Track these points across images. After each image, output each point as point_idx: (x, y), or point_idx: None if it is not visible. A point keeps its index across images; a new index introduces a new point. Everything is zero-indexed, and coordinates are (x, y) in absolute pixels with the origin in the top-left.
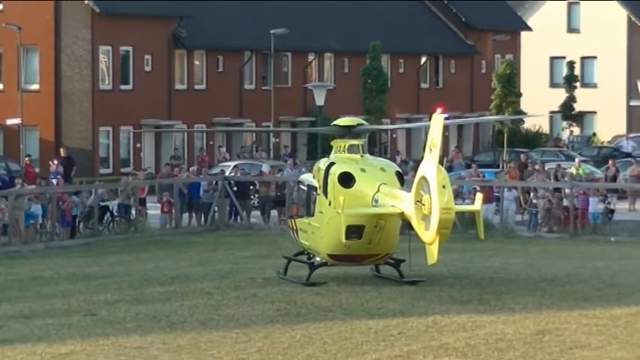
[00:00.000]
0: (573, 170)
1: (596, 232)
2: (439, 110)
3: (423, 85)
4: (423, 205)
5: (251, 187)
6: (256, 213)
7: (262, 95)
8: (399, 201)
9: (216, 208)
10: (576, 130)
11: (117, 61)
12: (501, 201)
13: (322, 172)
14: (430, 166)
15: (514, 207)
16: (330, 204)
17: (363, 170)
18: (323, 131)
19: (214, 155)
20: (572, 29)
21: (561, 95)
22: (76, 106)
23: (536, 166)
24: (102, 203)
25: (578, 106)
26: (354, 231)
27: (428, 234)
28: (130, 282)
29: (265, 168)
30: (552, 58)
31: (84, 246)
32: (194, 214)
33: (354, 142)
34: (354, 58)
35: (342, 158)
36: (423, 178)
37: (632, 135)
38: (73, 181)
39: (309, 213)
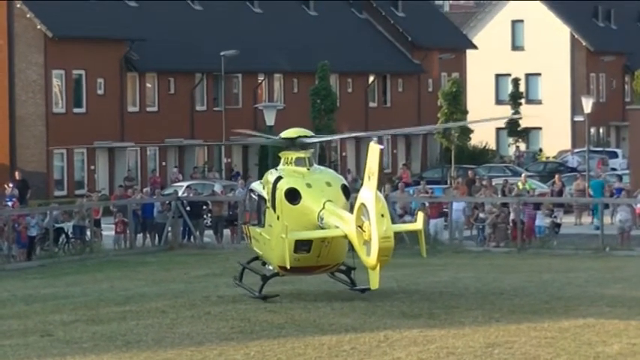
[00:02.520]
0: (520, 185)
1: (542, 245)
2: (375, 139)
3: (372, 104)
4: (364, 231)
5: (204, 207)
6: (209, 232)
7: (213, 116)
8: (343, 222)
9: (169, 228)
10: (522, 146)
11: (70, 84)
12: (450, 213)
13: (270, 185)
14: (369, 195)
15: (463, 218)
16: (278, 218)
17: (309, 186)
18: (272, 143)
19: (167, 176)
20: (516, 47)
21: (507, 112)
22: (30, 130)
23: (484, 182)
24: (57, 225)
25: (523, 123)
26: (302, 246)
27: (369, 260)
28: (86, 302)
29: (217, 188)
30: (497, 76)
31: (40, 267)
32: (148, 235)
33: (301, 154)
34: (303, 78)
35: (289, 172)
36: (363, 205)
37: (576, 150)
38: (28, 203)
39: (260, 223)
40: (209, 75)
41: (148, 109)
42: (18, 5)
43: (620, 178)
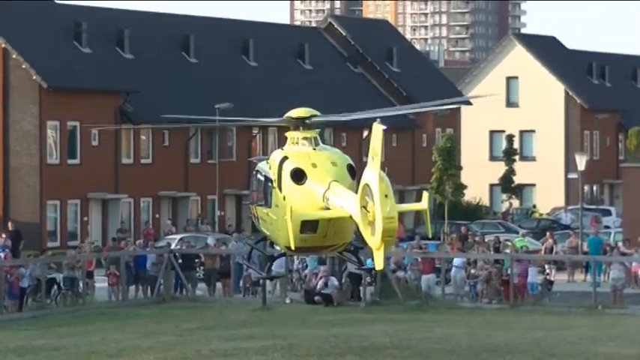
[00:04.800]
0: (517, 242)
1: (535, 302)
2: (378, 120)
3: (365, 159)
4: (368, 211)
5: (196, 260)
6: (202, 285)
7: (208, 169)
8: (349, 203)
9: (162, 281)
10: (516, 203)
11: (64, 135)
12: (442, 271)
13: (276, 165)
14: (373, 175)
15: (462, 274)
16: (284, 198)
17: (314, 166)
18: (276, 123)
19: (161, 228)
20: (511, 103)
21: (501, 168)
22: (24, 181)
23: (477, 238)
24: (49, 276)
25: (517, 179)
26: (308, 226)
27: (374, 240)
28: (78, 354)
29: (210, 241)
30: (492, 132)
31: (32, 319)
32: (140, 287)
33: (307, 134)
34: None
35: (294, 152)
36: (367, 185)
37: (570, 207)
38: (20, 254)
39: (267, 203)
40: (203, 128)
41: (142, 161)
42: (14, 56)
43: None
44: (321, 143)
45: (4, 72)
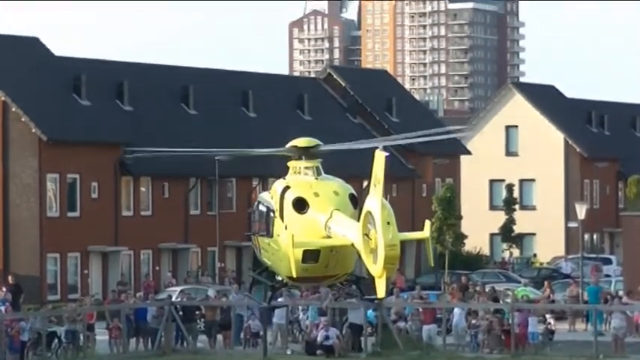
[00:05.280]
0: (518, 292)
1: (537, 352)
2: (380, 147)
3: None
4: (370, 239)
5: (197, 312)
6: (203, 337)
7: (208, 220)
8: (351, 232)
9: (162, 333)
10: (516, 252)
11: (64, 188)
12: (443, 321)
13: (278, 194)
14: (375, 203)
15: (464, 324)
16: (286, 228)
17: (316, 195)
18: (279, 152)
19: (161, 280)
20: (510, 152)
21: (501, 217)
22: (23, 234)
23: (477, 288)
24: (50, 329)
25: (517, 228)
26: (310, 256)
27: (376, 268)
28: None
29: (211, 293)
30: (491, 181)
31: None
32: (141, 339)
33: (309, 163)
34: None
35: (296, 181)
36: (369, 213)
37: (570, 256)
38: (21, 308)
39: (269, 234)
40: (203, 179)
41: (142, 213)
42: (13, 109)
43: None
44: (323, 173)
45: (4, 125)
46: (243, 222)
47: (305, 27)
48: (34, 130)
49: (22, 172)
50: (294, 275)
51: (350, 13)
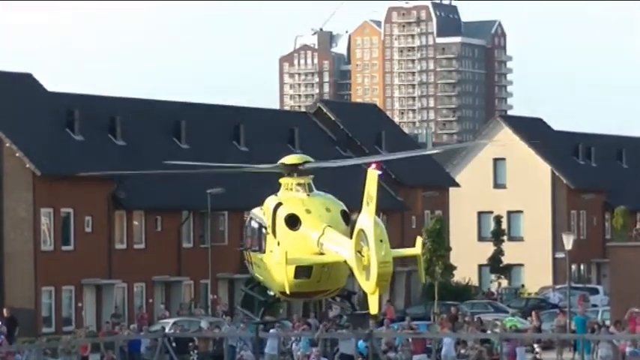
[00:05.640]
0: (506, 322)
1: None
2: (373, 166)
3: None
4: (363, 256)
5: (190, 343)
6: None
7: (200, 253)
8: (343, 248)
9: None
10: (504, 283)
11: (58, 222)
12: (433, 351)
13: (270, 211)
14: (368, 220)
15: (454, 353)
16: (278, 244)
17: (308, 211)
18: (271, 169)
19: (154, 312)
20: (498, 184)
21: (489, 249)
22: (18, 267)
23: (467, 318)
24: None
25: (505, 259)
26: (302, 272)
27: (368, 285)
28: None
29: (204, 324)
30: (480, 213)
31: None
32: None
33: (301, 180)
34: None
35: (288, 198)
36: (362, 230)
37: (558, 286)
38: (16, 340)
39: (261, 249)
40: (195, 212)
41: (136, 246)
42: (7, 144)
43: None
44: (314, 189)
45: None
46: (236, 255)
47: (295, 61)
48: (28, 165)
49: (16, 207)
50: (287, 291)
51: (340, 47)
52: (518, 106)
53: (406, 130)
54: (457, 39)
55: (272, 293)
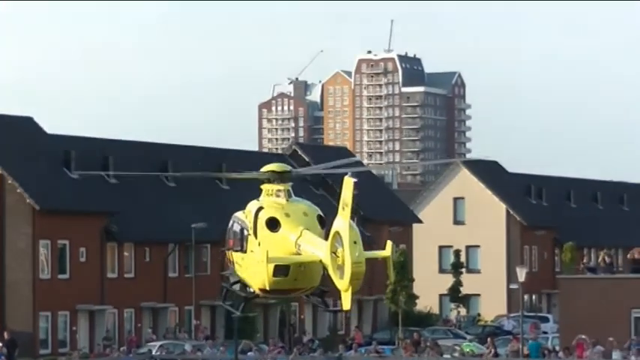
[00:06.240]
0: (465, 347)
1: None
2: (349, 173)
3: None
4: (337, 257)
5: None
6: None
7: (184, 282)
8: (318, 249)
9: None
10: (463, 311)
11: (55, 253)
12: None
13: (252, 214)
14: (343, 223)
15: None
16: (259, 245)
17: (287, 215)
18: (253, 176)
19: (142, 336)
20: (457, 221)
21: (449, 280)
22: (18, 294)
23: (428, 343)
24: None
25: (464, 290)
26: (280, 270)
27: (342, 283)
28: None
29: (187, 347)
30: (441, 247)
31: None
32: None
33: (281, 187)
34: None
35: (269, 202)
36: (337, 233)
37: (512, 315)
38: None
39: (243, 249)
40: (181, 245)
41: (126, 275)
42: (9, 181)
43: None
44: (293, 195)
45: (1, 195)
46: (217, 283)
47: (273, 108)
48: (28, 201)
49: (17, 239)
50: (267, 288)
51: (313, 95)
52: (476, 150)
53: (374, 171)
54: (421, 88)
55: (251, 290)
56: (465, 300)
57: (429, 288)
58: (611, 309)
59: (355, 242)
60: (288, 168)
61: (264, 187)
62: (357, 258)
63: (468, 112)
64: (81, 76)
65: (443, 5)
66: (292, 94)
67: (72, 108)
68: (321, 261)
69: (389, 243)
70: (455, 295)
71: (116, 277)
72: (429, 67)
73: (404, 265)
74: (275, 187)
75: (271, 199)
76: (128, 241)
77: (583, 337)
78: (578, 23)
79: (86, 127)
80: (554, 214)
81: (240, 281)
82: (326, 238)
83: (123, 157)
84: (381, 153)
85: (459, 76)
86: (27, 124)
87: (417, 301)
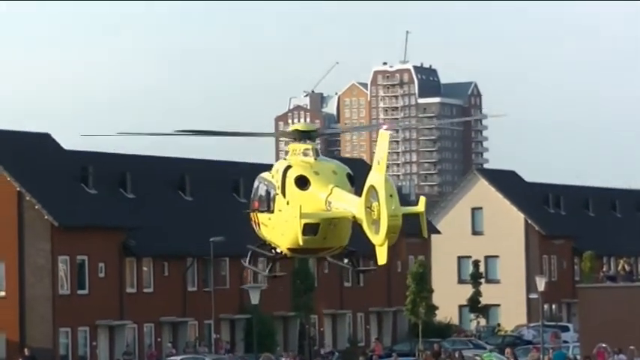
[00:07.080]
0: (485, 357)
1: None
2: (384, 127)
3: (346, 284)
4: (372, 211)
5: None
6: None
7: (203, 296)
8: (351, 205)
9: None
10: (483, 321)
11: (74, 268)
12: None
13: (280, 173)
14: (378, 177)
15: None
16: (287, 203)
17: (316, 173)
18: (282, 135)
19: (162, 350)
20: (476, 232)
21: (468, 290)
22: (38, 310)
23: (456, 354)
24: None
25: (483, 300)
26: (310, 229)
27: (378, 237)
28: None
29: None
30: (459, 258)
31: None
32: None
33: (309, 145)
34: (283, 261)
35: (297, 161)
36: (372, 187)
37: (532, 324)
38: None
39: (270, 209)
40: (199, 259)
41: (145, 290)
42: (27, 198)
43: None
44: (320, 154)
45: (19, 212)
46: (237, 297)
47: (289, 121)
48: (46, 217)
49: (36, 255)
50: (296, 246)
51: (330, 107)
52: (493, 160)
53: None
54: (437, 99)
55: (279, 251)
56: (485, 310)
57: (448, 299)
58: (631, 317)
59: (391, 195)
60: (314, 127)
61: (291, 146)
62: (394, 211)
63: (484, 122)
64: (97, 92)
65: (458, 16)
66: (308, 107)
67: (89, 124)
68: (354, 217)
69: (422, 198)
70: (474, 305)
71: (135, 292)
72: (444, 78)
73: (423, 276)
74: (302, 146)
75: (299, 158)
76: (147, 256)
77: (604, 345)
78: (595, 31)
79: (103, 142)
80: (572, 223)
81: (265, 242)
82: (360, 193)
83: (140, 172)
84: (397, 164)
85: (475, 86)
86: (44, 140)
87: (436, 312)
